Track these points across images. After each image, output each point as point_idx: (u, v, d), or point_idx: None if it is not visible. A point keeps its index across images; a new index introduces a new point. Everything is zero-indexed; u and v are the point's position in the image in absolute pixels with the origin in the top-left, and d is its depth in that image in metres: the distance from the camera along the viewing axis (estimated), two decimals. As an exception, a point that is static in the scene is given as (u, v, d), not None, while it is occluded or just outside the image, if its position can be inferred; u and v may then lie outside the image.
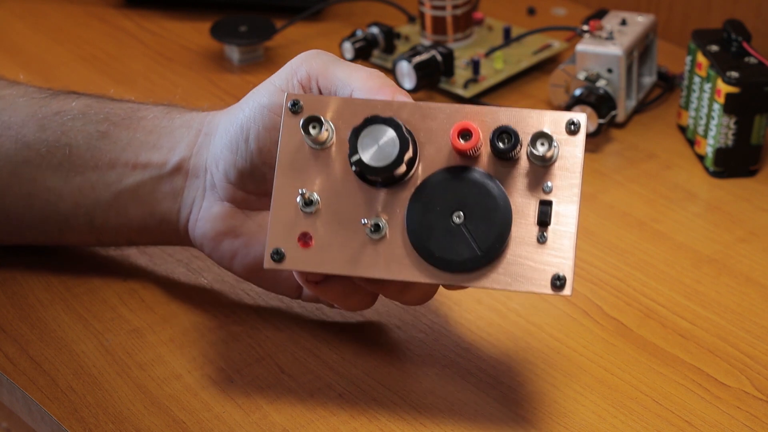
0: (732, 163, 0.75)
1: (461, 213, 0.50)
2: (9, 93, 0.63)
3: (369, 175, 0.51)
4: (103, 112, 0.62)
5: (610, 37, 0.79)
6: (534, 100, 0.85)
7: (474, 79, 0.84)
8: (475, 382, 0.57)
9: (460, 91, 0.83)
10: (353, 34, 0.87)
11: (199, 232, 0.59)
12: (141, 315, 0.62)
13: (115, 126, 0.61)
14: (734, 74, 0.72)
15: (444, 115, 0.51)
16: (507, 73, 0.86)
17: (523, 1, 1.00)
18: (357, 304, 0.56)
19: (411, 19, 0.94)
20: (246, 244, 0.58)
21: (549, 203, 0.50)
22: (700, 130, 0.76)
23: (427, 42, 0.89)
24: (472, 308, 0.62)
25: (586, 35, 0.80)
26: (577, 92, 0.77)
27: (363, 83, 0.53)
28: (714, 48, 0.75)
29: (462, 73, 0.85)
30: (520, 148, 0.50)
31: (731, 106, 0.72)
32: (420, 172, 0.51)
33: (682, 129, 0.80)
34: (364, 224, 0.51)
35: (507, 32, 0.89)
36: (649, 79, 0.85)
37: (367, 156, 0.50)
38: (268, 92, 0.55)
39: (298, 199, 0.52)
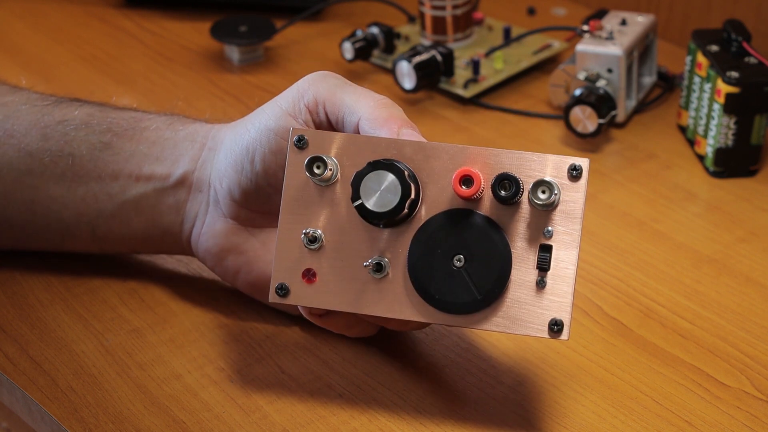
0: (732, 163, 0.75)
1: (462, 256, 0.51)
2: (11, 100, 0.63)
3: (371, 220, 0.51)
4: (106, 122, 0.62)
5: (610, 37, 0.79)
6: (534, 100, 0.85)
7: (474, 79, 0.84)
8: (475, 382, 0.57)
9: (460, 91, 0.83)
10: (353, 34, 0.87)
11: (203, 247, 0.59)
12: (141, 315, 0.62)
13: (118, 137, 0.61)
14: (734, 74, 0.72)
15: (447, 156, 0.52)
16: (507, 73, 0.86)
17: (523, 1, 1.00)
18: (359, 333, 0.57)
19: (411, 19, 0.94)
20: (249, 262, 0.58)
21: (549, 249, 0.51)
22: (700, 130, 0.76)
23: (427, 42, 0.89)
24: (472, 308, 0.62)
25: (586, 35, 0.80)
26: (577, 92, 0.77)
27: (370, 112, 0.53)
28: (714, 48, 0.75)
29: (462, 73, 0.85)
30: (522, 194, 0.51)
31: (731, 106, 0.72)
32: (423, 212, 0.52)
33: (682, 129, 0.80)
34: (366, 266, 0.52)
35: (507, 32, 0.89)
36: (649, 79, 0.85)
37: (369, 202, 0.51)
38: (275, 115, 0.55)
39: (302, 236, 0.52)
